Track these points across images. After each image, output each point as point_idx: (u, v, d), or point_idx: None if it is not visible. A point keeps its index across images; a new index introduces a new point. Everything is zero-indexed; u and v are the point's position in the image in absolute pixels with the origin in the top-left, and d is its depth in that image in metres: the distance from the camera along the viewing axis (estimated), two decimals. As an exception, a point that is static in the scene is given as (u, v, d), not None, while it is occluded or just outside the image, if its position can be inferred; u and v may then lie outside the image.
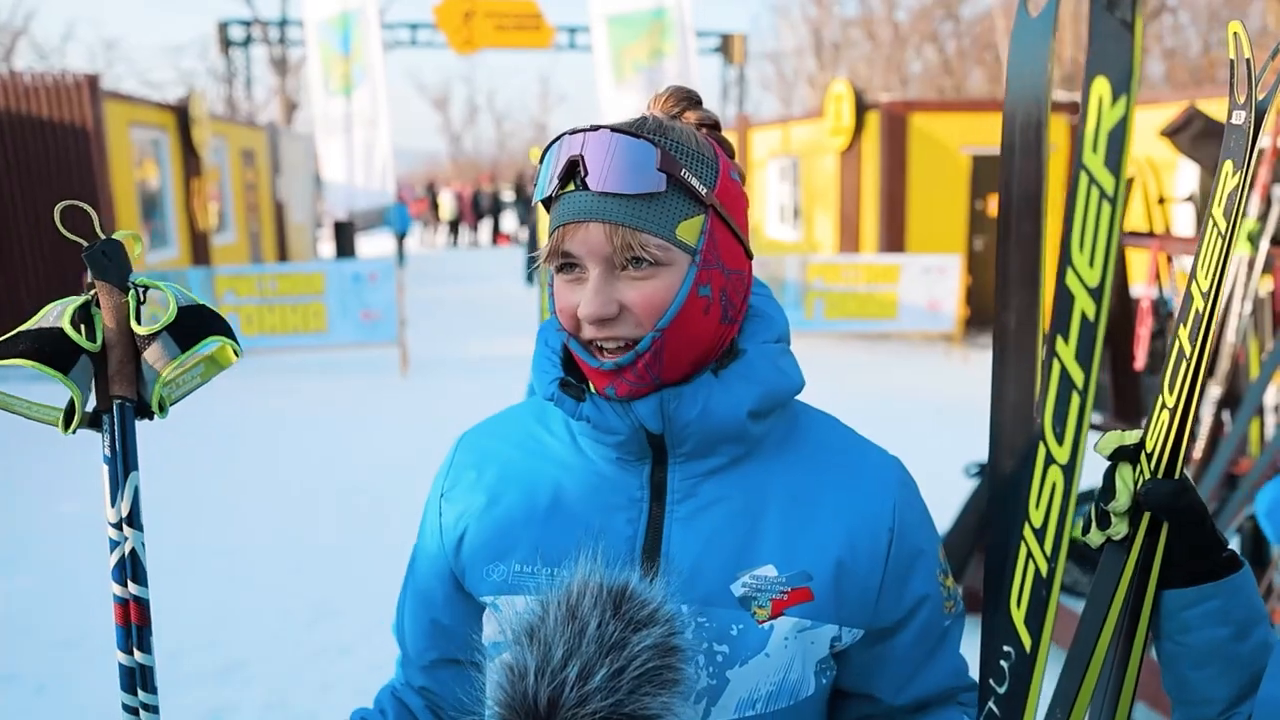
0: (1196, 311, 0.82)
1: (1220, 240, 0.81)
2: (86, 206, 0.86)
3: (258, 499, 5.45)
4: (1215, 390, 2.94)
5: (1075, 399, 0.67)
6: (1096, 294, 0.65)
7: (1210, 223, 0.83)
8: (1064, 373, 0.68)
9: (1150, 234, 3.89)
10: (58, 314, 0.84)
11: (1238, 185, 0.80)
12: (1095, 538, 0.89)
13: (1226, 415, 3.06)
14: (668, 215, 0.84)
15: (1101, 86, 0.62)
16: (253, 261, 14.25)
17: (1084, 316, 0.66)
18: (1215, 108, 5.31)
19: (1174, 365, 0.85)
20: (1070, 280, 0.67)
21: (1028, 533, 0.74)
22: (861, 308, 9.12)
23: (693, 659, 0.87)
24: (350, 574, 4.42)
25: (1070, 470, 0.69)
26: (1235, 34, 0.83)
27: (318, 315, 8.68)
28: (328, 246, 20.21)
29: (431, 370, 9.10)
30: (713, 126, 0.94)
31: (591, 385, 0.92)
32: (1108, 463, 0.89)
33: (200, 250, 11.95)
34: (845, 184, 10.91)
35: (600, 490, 0.93)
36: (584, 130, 0.86)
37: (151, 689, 0.88)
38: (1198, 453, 2.91)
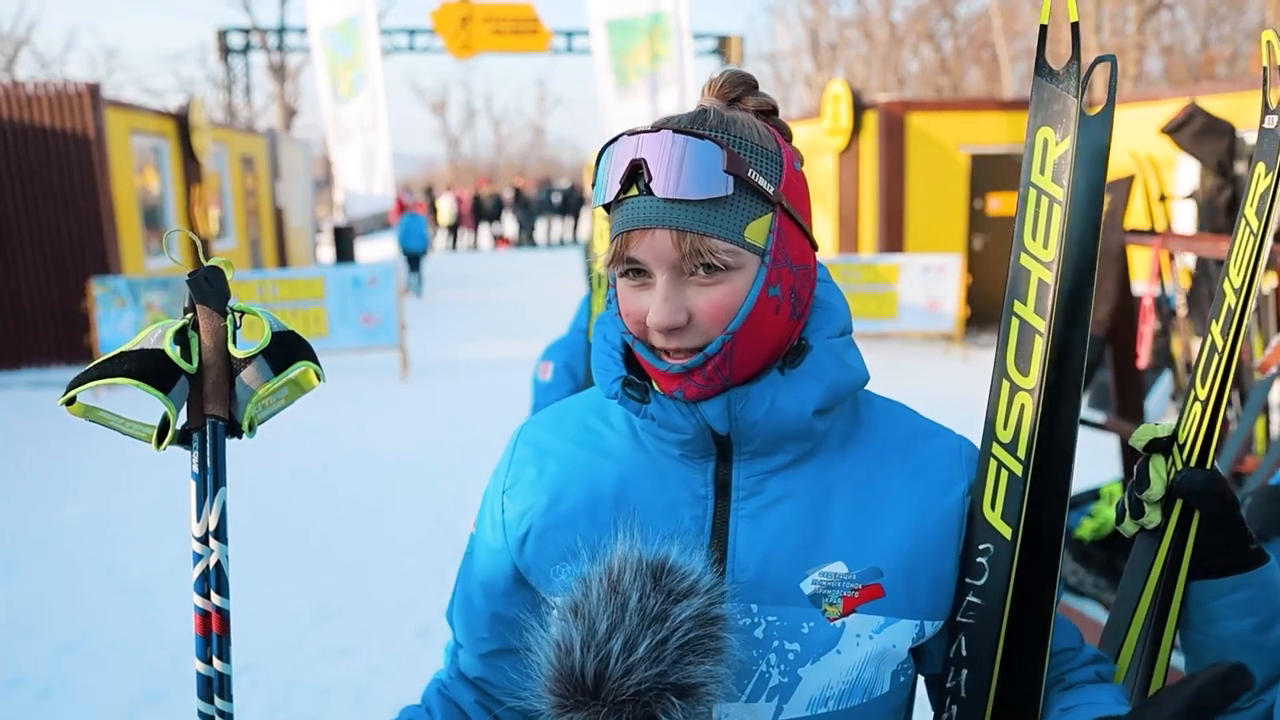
0: (1229, 308, 0.87)
1: (1253, 239, 0.86)
2: (194, 235, 0.92)
3: (258, 502, 5.44)
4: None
5: (1038, 341, 0.88)
6: (1050, 265, 0.87)
7: (1243, 222, 0.88)
8: (1024, 324, 0.89)
9: (1152, 232, 3.88)
10: (159, 336, 0.88)
11: (1269, 187, 0.85)
12: (1129, 527, 0.94)
13: (1231, 414, 3.06)
14: (736, 217, 0.82)
15: (1047, 133, 0.88)
16: (253, 267, 14.24)
17: (1040, 281, 0.88)
18: (1215, 104, 5.31)
19: (1206, 359, 0.89)
20: (1025, 260, 0.89)
21: (996, 449, 0.91)
22: (861, 308, 9.11)
23: (764, 656, 0.87)
24: (351, 577, 4.42)
25: (1036, 392, 0.88)
26: (1269, 42, 0.88)
27: (318, 320, 8.68)
28: (327, 251, 20.21)
29: (431, 374, 9.11)
30: (770, 112, 0.91)
31: (656, 385, 0.90)
32: (1143, 454, 0.93)
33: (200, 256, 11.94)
34: (844, 184, 10.91)
35: (664, 487, 0.92)
36: (644, 131, 0.83)
37: (228, 697, 0.90)
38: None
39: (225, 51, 20.49)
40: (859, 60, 30.39)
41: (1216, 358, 0.88)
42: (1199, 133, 3.56)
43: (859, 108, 10.38)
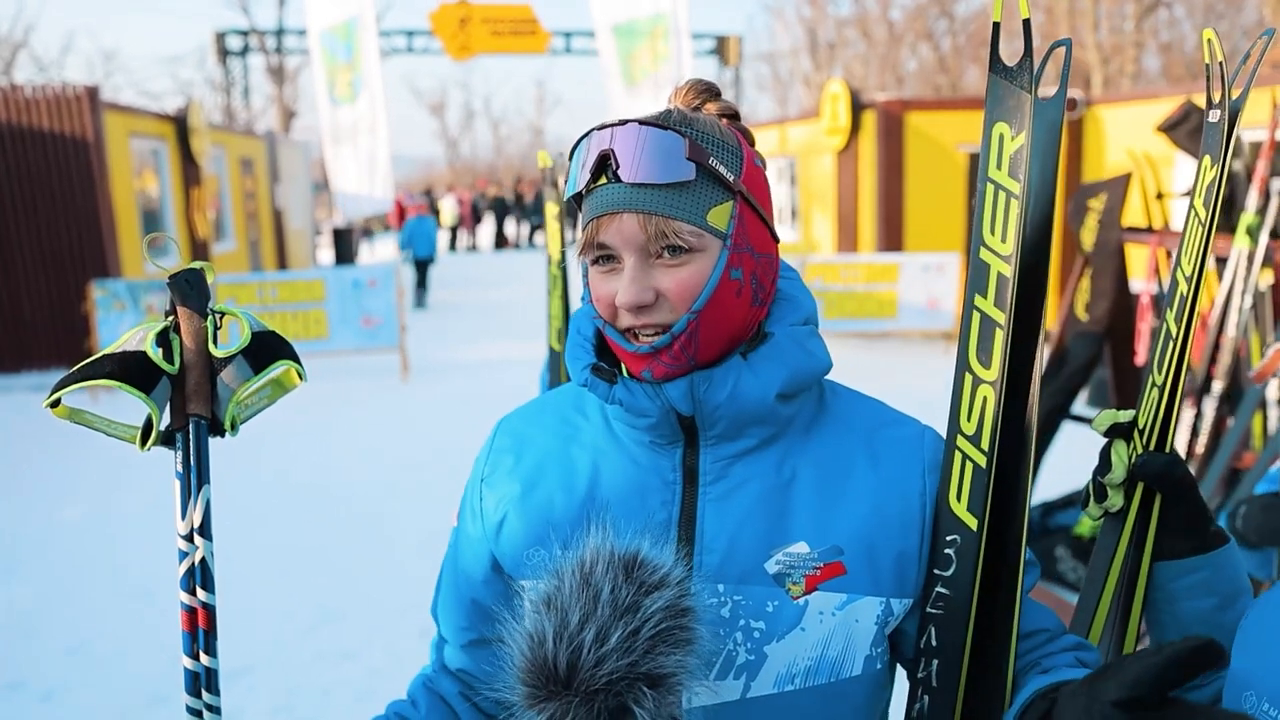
0: (1181, 295, 0.91)
1: (1201, 229, 0.89)
2: (169, 236, 0.96)
3: (258, 504, 5.45)
4: (1217, 385, 2.93)
5: (999, 334, 0.89)
6: (1008, 258, 0.88)
7: (1191, 213, 0.91)
8: (985, 317, 0.90)
9: (1149, 229, 3.88)
10: (141, 338, 0.90)
11: (1215, 178, 0.89)
12: (1093, 511, 0.95)
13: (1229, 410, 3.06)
14: (698, 202, 0.87)
15: (1002, 129, 0.89)
16: (253, 269, 14.25)
17: (1000, 275, 0.89)
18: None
19: (1162, 346, 0.93)
20: (985, 254, 0.90)
21: (960, 441, 0.92)
22: (860, 307, 9.11)
23: (730, 634, 0.90)
24: (351, 579, 4.42)
25: (999, 384, 0.89)
26: (1209, 40, 0.90)
27: (318, 322, 8.69)
28: (327, 253, 20.21)
29: (432, 375, 9.11)
30: (733, 116, 0.96)
31: (625, 369, 0.94)
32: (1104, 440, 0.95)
33: (200, 258, 11.94)
34: (842, 184, 10.91)
35: (635, 474, 0.96)
36: (612, 125, 0.88)
37: (215, 691, 0.93)
38: (1200, 448, 2.90)
39: (223, 54, 20.49)
40: (857, 59, 30.39)
41: (1171, 344, 0.91)
42: (1196, 130, 3.56)
43: (857, 107, 10.38)
